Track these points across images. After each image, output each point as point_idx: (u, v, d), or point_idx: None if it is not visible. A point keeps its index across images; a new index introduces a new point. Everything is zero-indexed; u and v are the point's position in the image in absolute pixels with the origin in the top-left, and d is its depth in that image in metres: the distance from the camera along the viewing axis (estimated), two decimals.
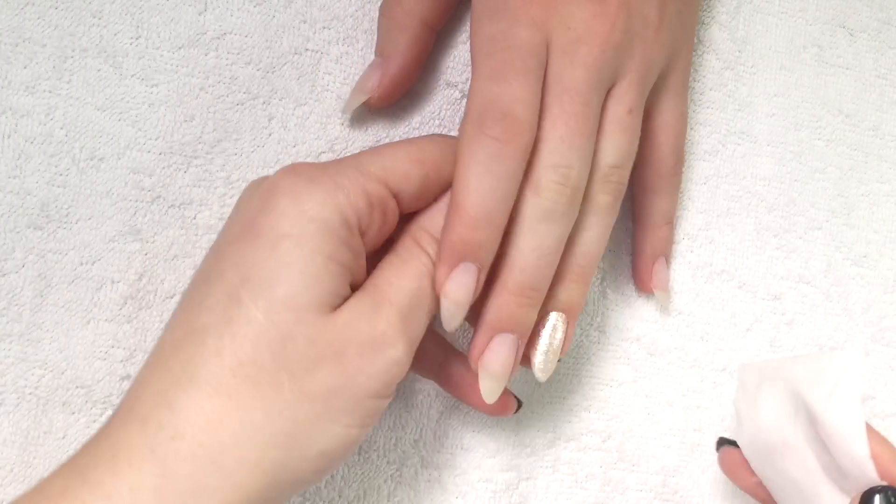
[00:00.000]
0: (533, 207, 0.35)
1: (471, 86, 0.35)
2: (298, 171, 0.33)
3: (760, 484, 0.39)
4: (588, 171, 0.36)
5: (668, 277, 0.45)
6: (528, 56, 0.35)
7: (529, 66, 0.35)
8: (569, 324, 0.37)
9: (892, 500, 0.34)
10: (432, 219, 0.36)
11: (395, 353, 0.33)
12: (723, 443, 0.41)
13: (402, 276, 0.34)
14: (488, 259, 0.34)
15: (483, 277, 0.34)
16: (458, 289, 0.33)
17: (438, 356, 0.40)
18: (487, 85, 0.35)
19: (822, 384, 0.35)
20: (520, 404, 0.41)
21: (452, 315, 0.34)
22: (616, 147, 0.37)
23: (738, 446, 0.40)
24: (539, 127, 0.35)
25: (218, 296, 0.32)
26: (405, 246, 0.35)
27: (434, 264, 0.34)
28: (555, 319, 0.37)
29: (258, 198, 0.33)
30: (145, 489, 0.29)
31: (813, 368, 0.36)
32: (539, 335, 0.37)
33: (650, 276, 0.44)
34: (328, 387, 0.32)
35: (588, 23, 0.36)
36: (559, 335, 0.37)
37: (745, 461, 0.39)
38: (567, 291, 0.37)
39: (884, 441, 0.35)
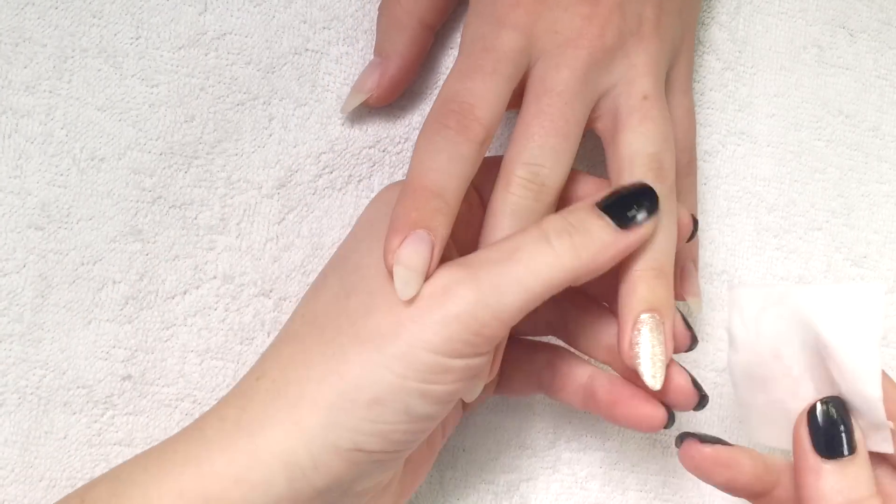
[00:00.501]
0: (501, 202, 0.36)
1: (443, 83, 0.36)
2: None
3: (734, 478, 0.37)
4: (564, 171, 0.36)
5: (698, 282, 0.43)
6: (502, 59, 0.36)
7: (500, 69, 0.35)
8: (664, 323, 0.36)
9: None
10: (568, 209, 0.35)
11: (454, 308, 0.32)
12: (685, 437, 0.37)
13: (497, 245, 0.34)
14: (442, 232, 0.33)
15: (438, 253, 0.33)
16: (412, 254, 0.32)
17: (582, 378, 0.39)
18: (453, 82, 0.36)
19: (840, 318, 0.34)
20: (672, 419, 0.38)
21: (406, 282, 0.32)
22: (642, 134, 0.37)
23: (706, 442, 0.37)
24: (516, 126, 0.36)
25: (314, 283, 0.37)
26: (526, 227, 0.35)
27: (385, 239, 0.33)
28: (648, 321, 0.35)
29: None
30: (229, 419, 0.33)
31: (830, 300, 0.35)
32: (637, 343, 0.35)
33: (678, 284, 0.41)
34: (380, 331, 0.32)
35: (577, 26, 0.36)
36: (659, 336, 0.35)
37: (715, 458, 0.37)
38: (650, 291, 0.36)
39: (893, 383, 0.35)
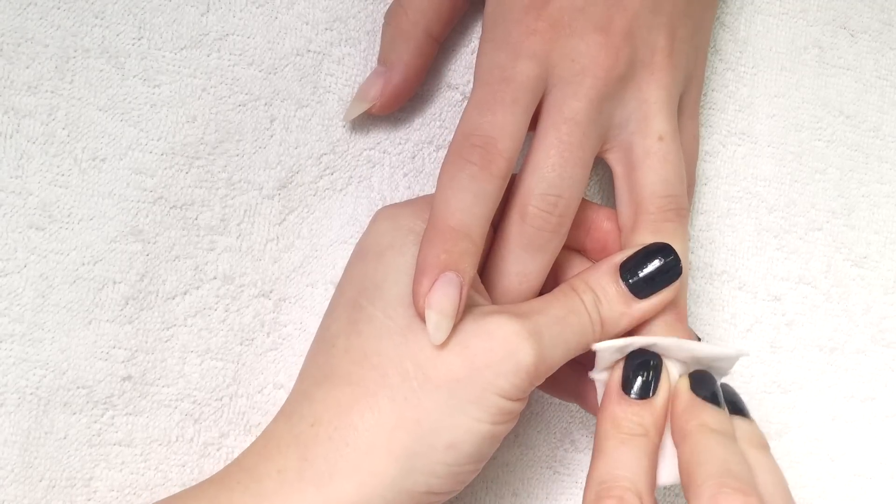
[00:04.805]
0: (518, 234, 0.36)
1: (462, 114, 0.36)
2: (395, 203, 0.39)
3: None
4: (579, 200, 0.37)
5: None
6: (521, 89, 0.36)
7: (519, 99, 0.36)
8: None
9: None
10: (592, 273, 0.37)
11: (525, 359, 0.33)
12: None
13: (547, 305, 0.35)
14: (470, 272, 0.34)
15: (466, 292, 0.34)
16: (442, 298, 0.33)
17: (574, 380, 0.40)
18: (474, 114, 0.36)
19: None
20: None
21: (438, 326, 0.33)
22: (659, 176, 0.37)
23: None
24: (532, 154, 0.36)
25: (341, 307, 0.36)
26: (560, 288, 0.36)
27: (414, 282, 0.34)
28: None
29: (365, 230, 0.38)
30: (290, 471, 0.33)
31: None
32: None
33: None
34: (453, 377, 0.33)
35: (592, 54, 0.36)
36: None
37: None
38: (668, 328, 0.37)
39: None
